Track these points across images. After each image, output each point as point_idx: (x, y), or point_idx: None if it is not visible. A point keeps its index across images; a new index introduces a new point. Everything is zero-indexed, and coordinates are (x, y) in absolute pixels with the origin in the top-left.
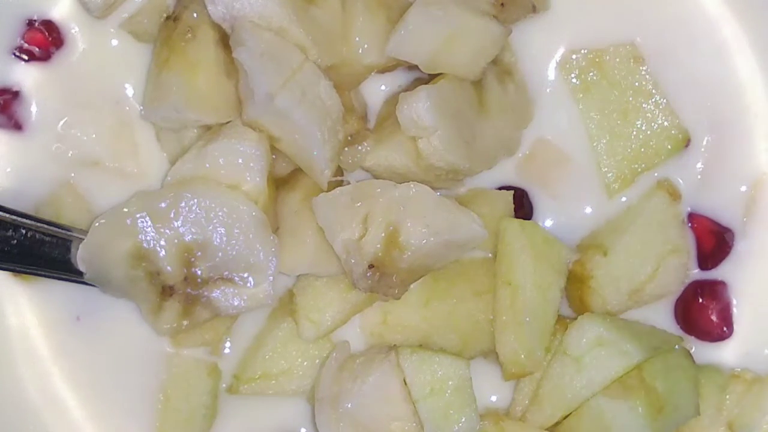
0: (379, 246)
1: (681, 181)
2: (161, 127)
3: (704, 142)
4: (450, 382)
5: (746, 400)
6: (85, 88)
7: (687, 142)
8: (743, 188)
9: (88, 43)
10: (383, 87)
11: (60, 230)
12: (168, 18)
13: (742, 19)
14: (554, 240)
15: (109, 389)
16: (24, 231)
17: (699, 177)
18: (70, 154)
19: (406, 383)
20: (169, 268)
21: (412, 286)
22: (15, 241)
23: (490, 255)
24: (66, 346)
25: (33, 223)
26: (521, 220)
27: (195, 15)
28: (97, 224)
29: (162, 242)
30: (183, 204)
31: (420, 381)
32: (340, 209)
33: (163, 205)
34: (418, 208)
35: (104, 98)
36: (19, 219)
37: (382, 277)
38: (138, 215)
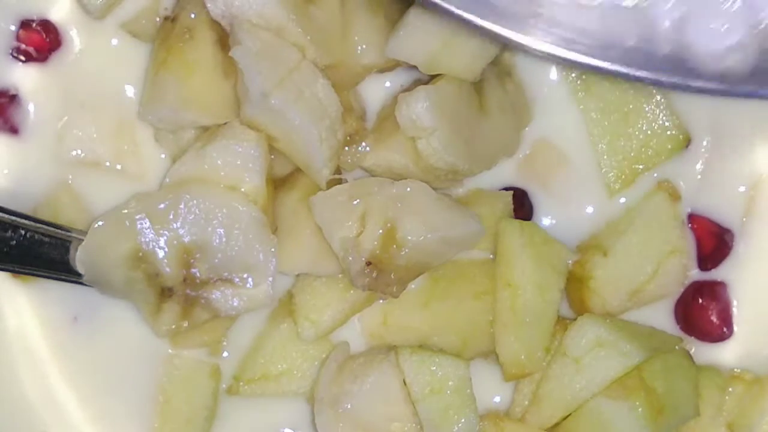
0: (376, 243)
1: (681, 181)
2: (159, 128)
3: (704, 143)
4: (450, 383)
5: (746, 401)
6: (84, 89)
7: (687, 143)
8: (743, 189)
9: (86, 43)
10: (383, 87)
11: (59, 231)
12: (166, 19)
13: None
14: (554, 240)
15: (109, 390)
16: (23, 232)
17: (699, 177)
18: (69, 155)
19: (405, 384)
20: (168, 269)
21: (411, 286)
22: (14, 242)
23: (490, 256)
24: (64, 346)
25: (32, 223)
26: (521, 220)
27: (193, 16)
28: (95, 226)
29: (161, 243)
30: (182, 205)
31: (420, 381)
32: (338, 207)
33: (162, 206)
34: (415, 205)
35: (103, 98)
36: (18, 220)
37: (379, 274)
38: (137, 217)
